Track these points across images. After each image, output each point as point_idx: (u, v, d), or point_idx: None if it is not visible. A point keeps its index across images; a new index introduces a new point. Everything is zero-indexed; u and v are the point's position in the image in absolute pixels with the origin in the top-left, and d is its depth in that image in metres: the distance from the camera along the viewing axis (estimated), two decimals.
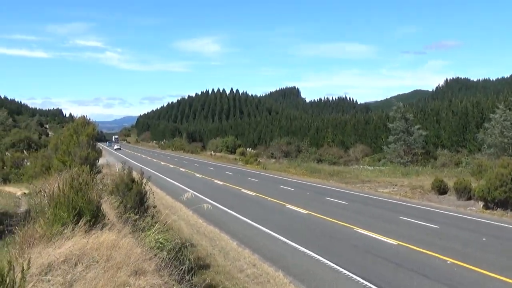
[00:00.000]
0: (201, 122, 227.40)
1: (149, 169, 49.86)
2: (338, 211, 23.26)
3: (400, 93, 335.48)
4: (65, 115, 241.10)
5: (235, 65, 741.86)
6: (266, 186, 36.28)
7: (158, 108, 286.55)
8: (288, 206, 24.98)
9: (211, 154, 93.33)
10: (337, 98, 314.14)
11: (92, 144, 24.00)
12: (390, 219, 20.82)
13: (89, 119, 27.07)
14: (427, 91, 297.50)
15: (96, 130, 26.04)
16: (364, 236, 17.09)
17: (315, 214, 22.05)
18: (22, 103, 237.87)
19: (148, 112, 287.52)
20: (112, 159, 57.85)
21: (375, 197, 29.62)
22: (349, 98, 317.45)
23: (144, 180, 15.38)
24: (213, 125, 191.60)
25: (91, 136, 23.84)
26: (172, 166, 61.54)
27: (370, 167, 50.02)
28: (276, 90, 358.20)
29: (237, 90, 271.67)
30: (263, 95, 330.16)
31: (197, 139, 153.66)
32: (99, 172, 24.81)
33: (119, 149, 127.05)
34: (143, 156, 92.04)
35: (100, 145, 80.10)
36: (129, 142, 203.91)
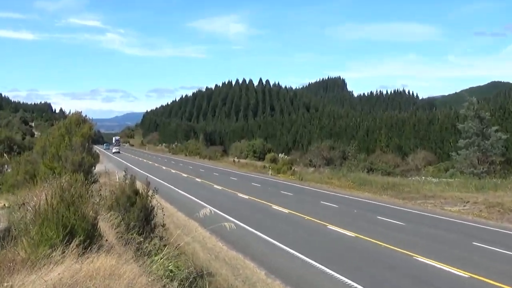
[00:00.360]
0: (222, 121, 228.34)
1: (157, 179, 50.20)
2: (393, 233, 23.02)
3: (473, 85, 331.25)
4: (55, 110, 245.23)
5: (264, 50, 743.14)
6: (302, 201, 36.13)
7: (169, 103, 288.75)
8: (330, 226, 24.83)
9: (234, 160, 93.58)
10: (392, 91, 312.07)
11: (87, 147, 24.30)
12: (460, 245, 20.49)
13: (85, 116, 27.36)
14: (508, 83, 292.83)
15: (93, 129, 26.34)
16: (426, 266, 16.86)
17: (364, 238, 21.86)
18: (3, 95, 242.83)
19: (156, 108, 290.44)
20: (112, 165, 58.52)
21: (440, 216, 29.22)
22: (408, 92, 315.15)
23: (151, 192, 15.48)
24: (236, 124, 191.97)
25: (86, 137, 24.14)
26: (185, 175, 61.90)
27: (435, 179, 49.40)
28: (316, 82, 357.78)
29: (267, 81, 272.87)
30: (300, 87, 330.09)
31: (217, 141, 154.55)
32: (95, 181, 25.09)
33: (118, 152, 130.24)
34: (150, 162, 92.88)
35: (97, 148, 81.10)
36: (133, 145, 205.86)
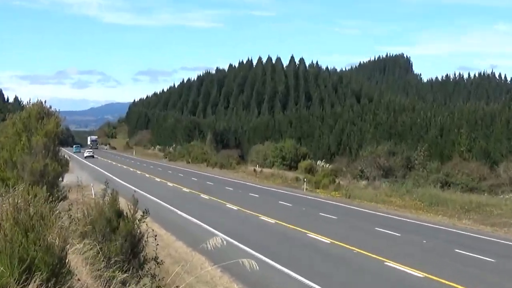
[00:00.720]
0: (239, 115, 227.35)
1: (148, 195, 50.41)
2: (478, 273, 22.86)
3: None
4: (8, 99, 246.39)
5: (298, 17, 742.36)
6: (350, 227, 36.04)
7: (165, 90, 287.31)
8: (390, 263, 24.73)
9: (254, 170, 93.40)
10: (477, 74, 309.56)
11: (53, 150, 24.47)
12: None
13: (50, 107, 27.54)
14: None
15: (61, 126, 26.48)
16: None
17: (438, 279, 21.74)
18: None
19: (148, 97, 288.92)
20: (86, 175, 58.75)
21: None
22: (499, 75, 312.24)
23: (140, 214, 15.50)
24: (259, 119, 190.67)
25: (52, 136, 24.28)
26: (186, 189, 61.97)
27: None
28: (370, 61, 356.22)
29: (301, 60, 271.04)
30: (347, 68, 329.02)
31: (231, 143, 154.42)
32: (63, 198, 25.22)
33: (92, 157, 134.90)
34: (138, 171, 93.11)
35: (65, 151, 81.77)
36: (115, 148, 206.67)
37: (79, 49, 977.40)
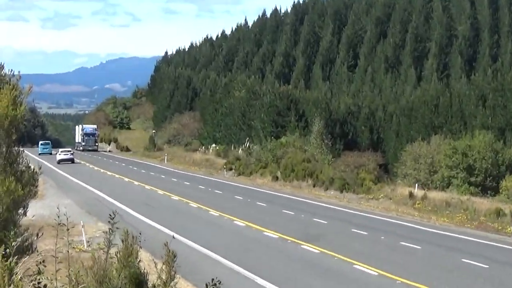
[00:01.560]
0: (377, 82, 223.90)
1: (196, 245, 50.81)
2: None
3: None
4: None
5: None
6: None
7: (228, 34, 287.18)
8: None
9: (411, 194, 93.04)
10: None
11: (8, 152, 24.98)
12: None
13: (0, 66, 28.00)
14: None
15: (24, 105, 26.86)
16: None
17: None
18: None
19: (193, 46, 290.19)
20: (70, 204, 59.54)
21: None
22: None
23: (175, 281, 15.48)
24: (419, 92, 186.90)
25: (6, 125, 24.72)
26: (273, 234, 61.13)
27: None
28: None
29: None
30: None
31: (362, 140, 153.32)
32: (26, 249, 25.64)
33: (70, 161, 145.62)
34: (174, 196, 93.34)
35: (28, 155, 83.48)
36: (127, 148, 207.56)
37: None
